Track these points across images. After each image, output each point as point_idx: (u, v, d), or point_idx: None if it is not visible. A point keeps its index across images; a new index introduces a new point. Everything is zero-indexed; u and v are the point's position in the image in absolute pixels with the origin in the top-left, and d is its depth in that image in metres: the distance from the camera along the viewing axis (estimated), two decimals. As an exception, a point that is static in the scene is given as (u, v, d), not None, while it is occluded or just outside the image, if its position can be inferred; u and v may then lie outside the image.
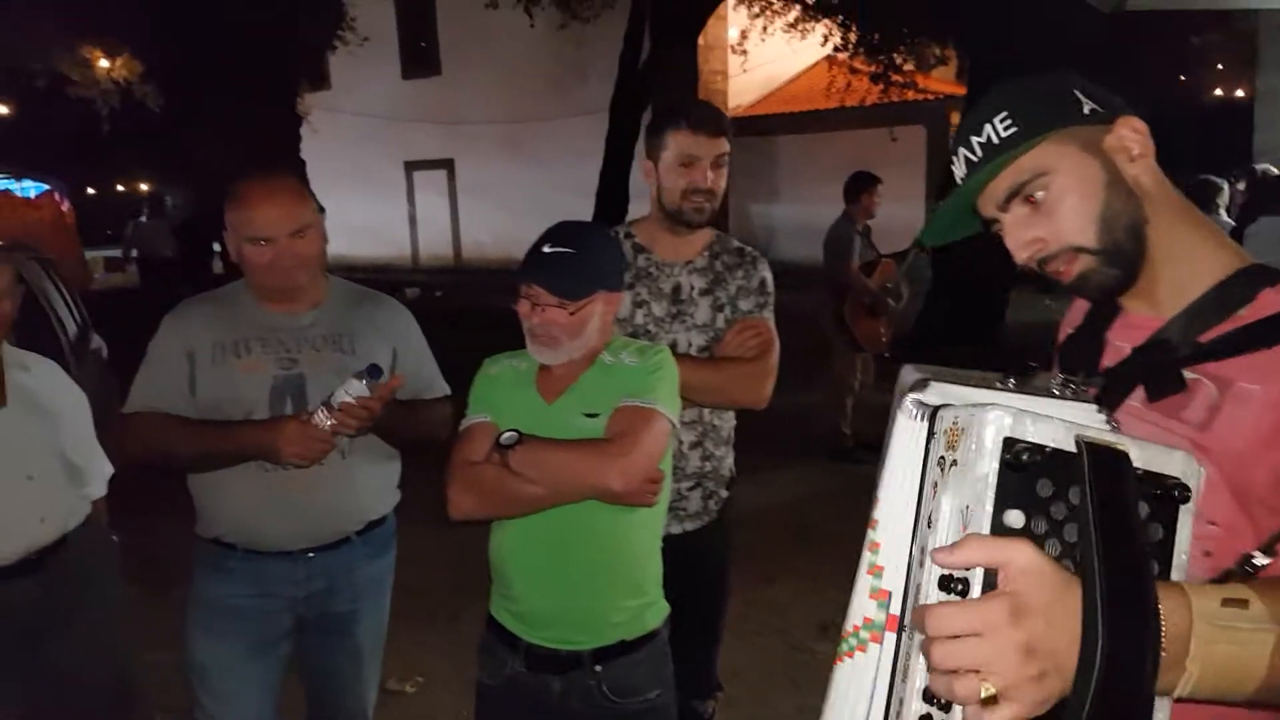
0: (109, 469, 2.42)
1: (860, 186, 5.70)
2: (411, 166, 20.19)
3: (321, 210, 2.16)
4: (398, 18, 19.44)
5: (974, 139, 1.09)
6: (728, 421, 2.24)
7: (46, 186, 17.05)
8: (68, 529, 2.20)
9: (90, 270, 15.04)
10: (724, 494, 2.24)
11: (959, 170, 1.13)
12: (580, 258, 1.69)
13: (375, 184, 19.63)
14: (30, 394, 2.17)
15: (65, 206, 15.78)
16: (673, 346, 2.10)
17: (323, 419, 1.91)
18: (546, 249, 1.70)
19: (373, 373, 1.94)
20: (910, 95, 12.88)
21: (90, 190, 24.47)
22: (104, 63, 17.83)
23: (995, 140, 1.07)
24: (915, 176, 13.78)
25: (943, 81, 14.29)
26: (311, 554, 2.10)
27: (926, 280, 8.88)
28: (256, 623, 2.10)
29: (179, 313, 2.14)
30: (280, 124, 12.09)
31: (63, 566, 2.18)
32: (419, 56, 19.63)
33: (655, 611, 1.83)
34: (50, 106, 19.14)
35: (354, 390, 1.92)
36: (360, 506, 2.16)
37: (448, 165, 19.57)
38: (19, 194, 14.80)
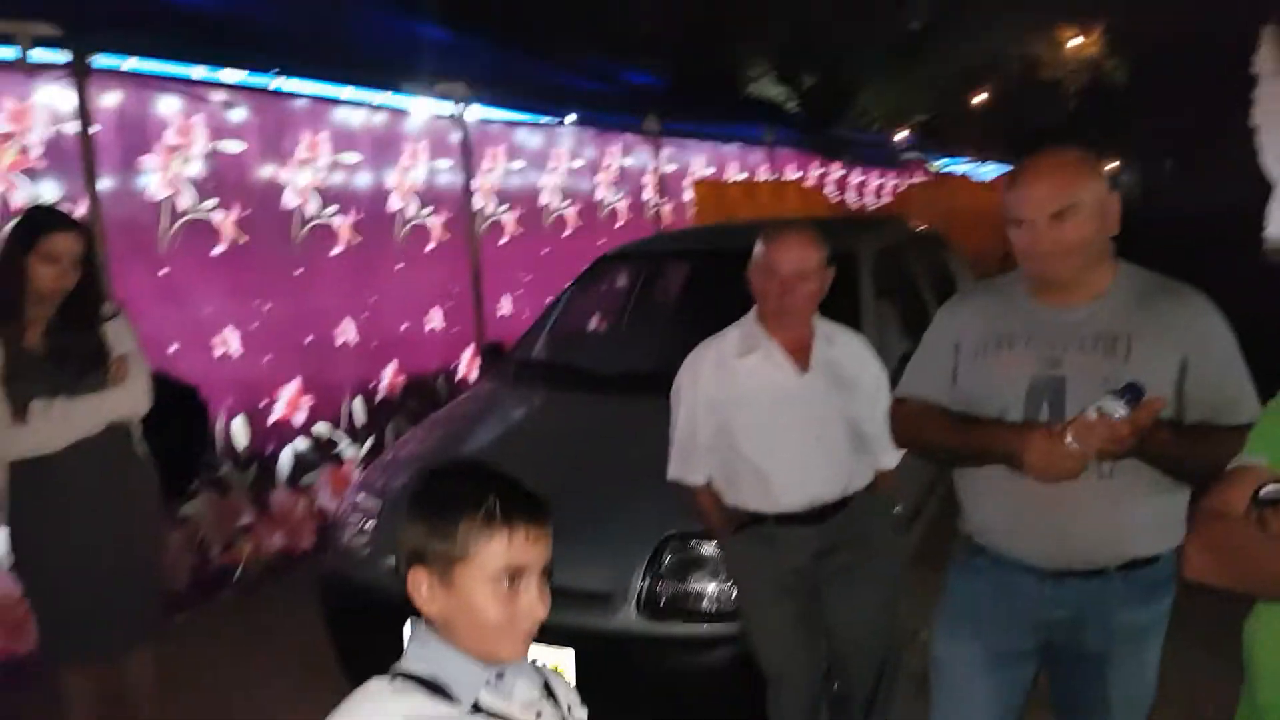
0: None
1: None
2: None
3: (1116, 187, 1.95)
4: None
5: None
6: None
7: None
8: (848, 491, 2.49)
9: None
10: None
11: None
12: None
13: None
14: (832, 365, 2.50)
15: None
16: None
17: (1073, 437, 1.75)
18: None
19: (1131, 392, 1.70)
20: None
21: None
22: (1074, 41, 18.58)
23: None
24: None
25: None
26: (1057, 578, 1.96)
27: None
28: (996, 632, 2.04)
29: (955, 301, 2.18)
30: (1233, 90, 11.03)
31: (842, 525, 2.48)
32: None
33: None
34: (1020, 91, 20.87)
35: (1109, 409, 1.70)
36: (1120, 539, 1.92)
37: None
38: (976, 179, 16.65)
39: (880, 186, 13.95)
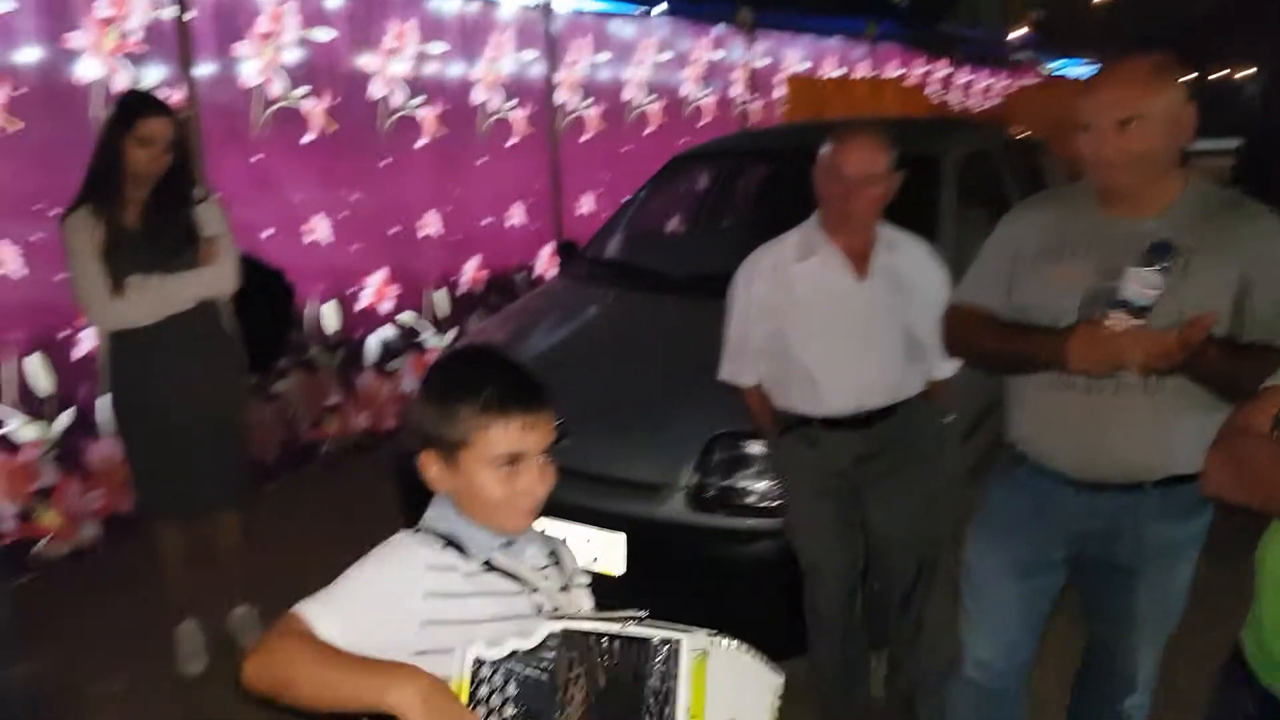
0: None
1: None
2: None
3: (1194, 99, 1.88)
4: None
5: None
6: None
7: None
8: (897, 399, 2.51)
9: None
10: None
11: None
12: None
13: None
14: (893, 271, 2.49)
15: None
16: None
17: (1119, 320, 1.75)
18: None
19: (1158, 252, 1.70)
20: None
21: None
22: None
23: None
24: None
25: None
26: (1095, 490, 1.97)
27: None
28: (1029, 542, 2.08)
29: (1018, 208, 2.14)
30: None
31: (887, 431, 2.51)
32: None
33: None
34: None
35: (1142, 280, 1.71)
36: (1160, 455, 1.91)
37: None
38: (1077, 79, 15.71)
39: (988, 88, 13.32)
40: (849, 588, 2.56)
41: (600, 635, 1.09)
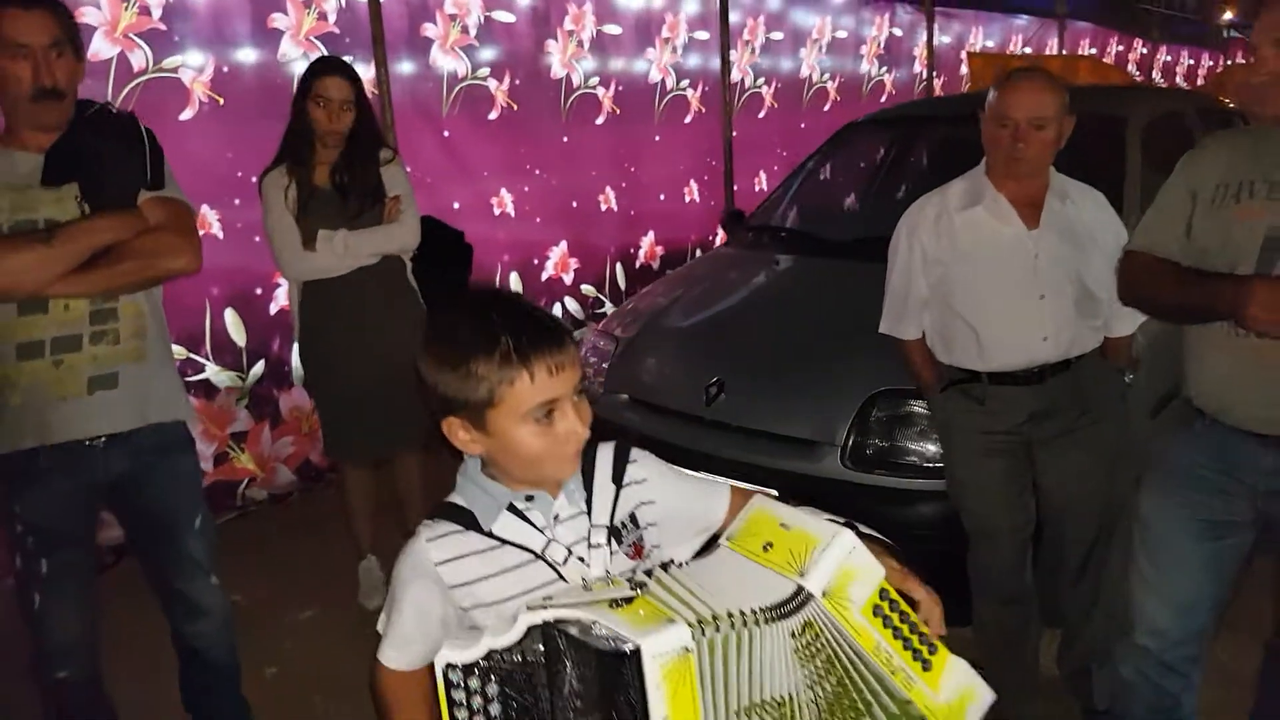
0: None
1: None
2: None
3: None
4: None
5: None
6: None
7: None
8: (1070, 354, 2.20)
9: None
10: None
11: None
12: None
13: None
14: (1065, 221, 2.19)
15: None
16: None
17: None
18: None
19: None
20: None
21: None
22: None
23: None
24: None
25: None
26: None
27: None
28: (1210, 497, 1.79)
29: (1196, 148, 1.86)
30: None
31: (1062, 387, 2.21)
32: None
33: None
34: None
35: None
36: None
37: None
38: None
39: (1192, 68, 12.01)
40: (1018, 553, 2.27)
41: (571, 633, 0.90)
